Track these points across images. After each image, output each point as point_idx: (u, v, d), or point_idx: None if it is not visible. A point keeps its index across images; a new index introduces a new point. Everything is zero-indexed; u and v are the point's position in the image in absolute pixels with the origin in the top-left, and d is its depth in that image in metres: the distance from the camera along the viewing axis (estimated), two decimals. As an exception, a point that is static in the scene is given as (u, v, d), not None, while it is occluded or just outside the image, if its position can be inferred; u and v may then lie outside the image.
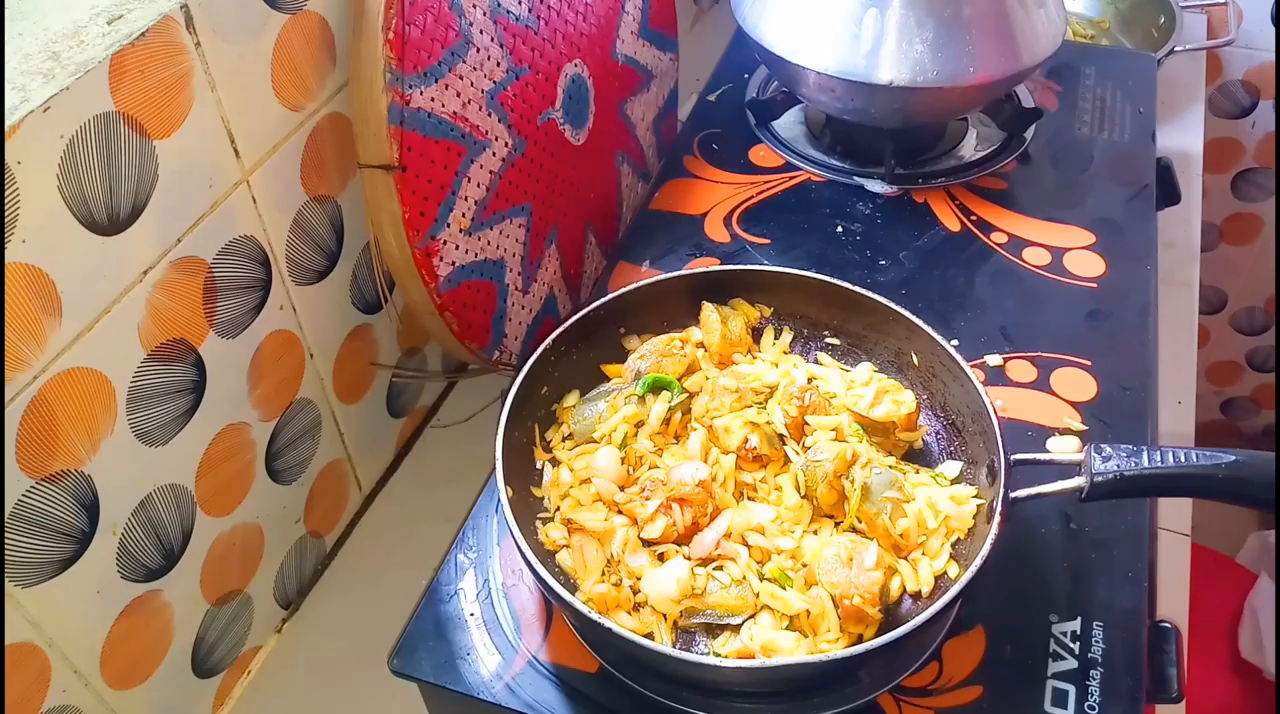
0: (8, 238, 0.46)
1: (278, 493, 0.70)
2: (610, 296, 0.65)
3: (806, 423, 0.60)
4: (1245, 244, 1.55)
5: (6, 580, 0.50)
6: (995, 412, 0.56)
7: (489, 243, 0.73)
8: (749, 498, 0.59)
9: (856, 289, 0.65)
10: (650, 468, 0.59)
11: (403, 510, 0.81)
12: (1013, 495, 0.53)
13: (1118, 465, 0.51)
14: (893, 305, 0.63)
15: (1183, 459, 0.50)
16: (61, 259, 0.49)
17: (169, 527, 0.60)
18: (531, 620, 0.58)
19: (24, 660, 0.52)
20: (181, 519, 0.61)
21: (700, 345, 0.66)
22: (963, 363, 0.59)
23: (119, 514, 0.56)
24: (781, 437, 0.60)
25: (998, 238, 0.81)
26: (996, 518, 0.52)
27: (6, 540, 0.49)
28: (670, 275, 0.67)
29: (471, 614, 0.58)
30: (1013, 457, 0.55)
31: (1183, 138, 1.10)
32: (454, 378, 0.89)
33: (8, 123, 0.44)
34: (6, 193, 0.45)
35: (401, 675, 0.56)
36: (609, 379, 0.66)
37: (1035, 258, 0.79)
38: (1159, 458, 0.51)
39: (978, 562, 0.50)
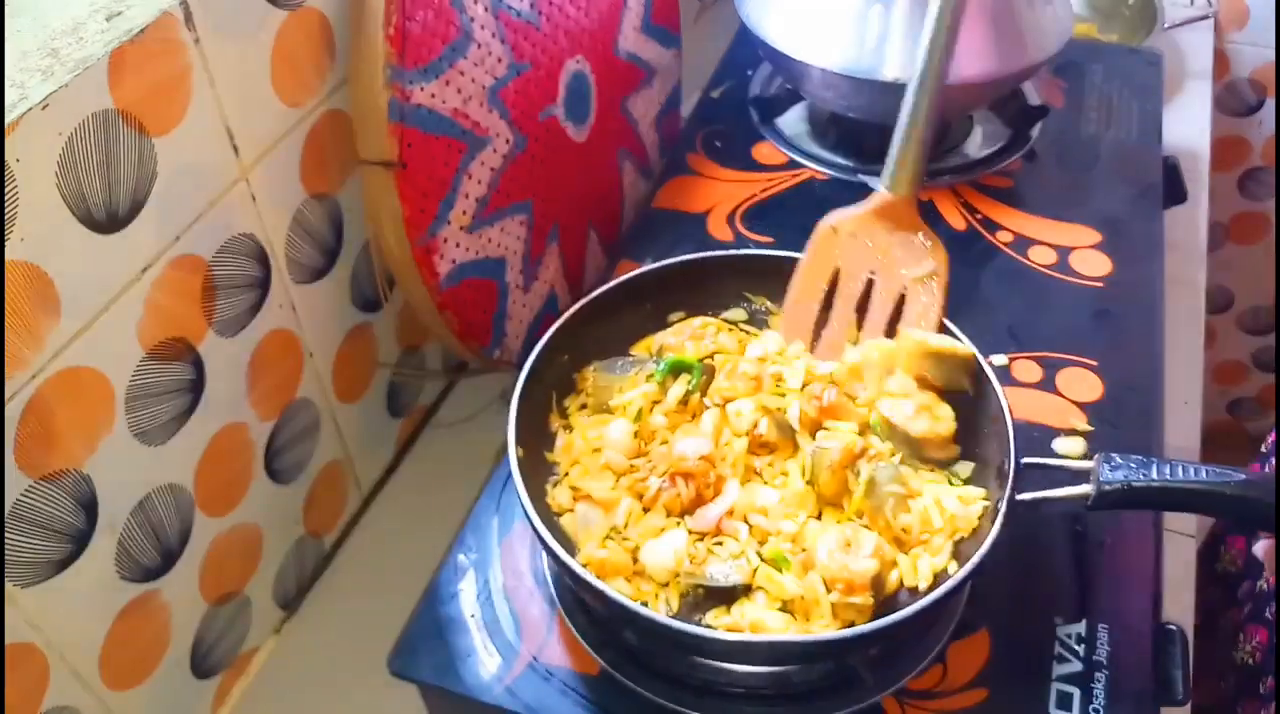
0: (6, 236, 0.45)
1: (277, 493, 0.70)
2: (656, 266, 0.66)
3: (824, 427, 0.60)
4: (1252, 243, 1.55)
5: (5, 580, 0.49)
6: (1011, 414, 0.56)
7: (490, 241, 0.72)
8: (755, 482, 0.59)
9: None
10: (661, 444, 0.59)
11: (402, 511, 0.81)
12: (1018, 498, 0.53)
13: (1125, 475, 0.51)
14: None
15: (1192, 474, 0.50)
16: (60, 257, 0.48)
17: (168, 526, 0.60)
18: (532, 623, 0.58)
19: (23, 661, 0.52)
20: (180, 519, 0.61)
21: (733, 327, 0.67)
22: (984, 363, 0.59)
23: (118, 514, 0.56)
24: (792, 428, 0.60)
25: (1003, 236, 0.81)
26: (999, 519, 0.52)
27: (5, 540, 0.49)
28: (711, 254, 0.67)
29: (472, 615, 0.58)
30: (1022, 460, 0.54)
31: (1189, 136, 1.09)
32: (454, 377, 0.89)
33: (7, 120, 0.44)
34: (5, 190, 0.45)
35: (401, 677, 0.56)
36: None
37: (1041, 257, 0.79)
38: (1168, 471, 0.51)
39: (975, 559, 0.50)
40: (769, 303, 0.68)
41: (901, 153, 0.67)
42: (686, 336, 0.64)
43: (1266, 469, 1.00)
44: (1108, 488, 0.51)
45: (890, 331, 0.64)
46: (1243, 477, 0.49)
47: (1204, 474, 0.50)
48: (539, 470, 0.59)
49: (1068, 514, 0.62)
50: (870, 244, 0.67)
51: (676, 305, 0.67)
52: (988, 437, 0.58)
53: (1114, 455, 0.52)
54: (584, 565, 0.52)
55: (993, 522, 0.52)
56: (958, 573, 0.50)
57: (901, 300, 0.65)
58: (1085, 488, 0.52)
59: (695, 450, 0.56)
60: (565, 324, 0.63)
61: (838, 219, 0.67)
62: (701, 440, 0.57)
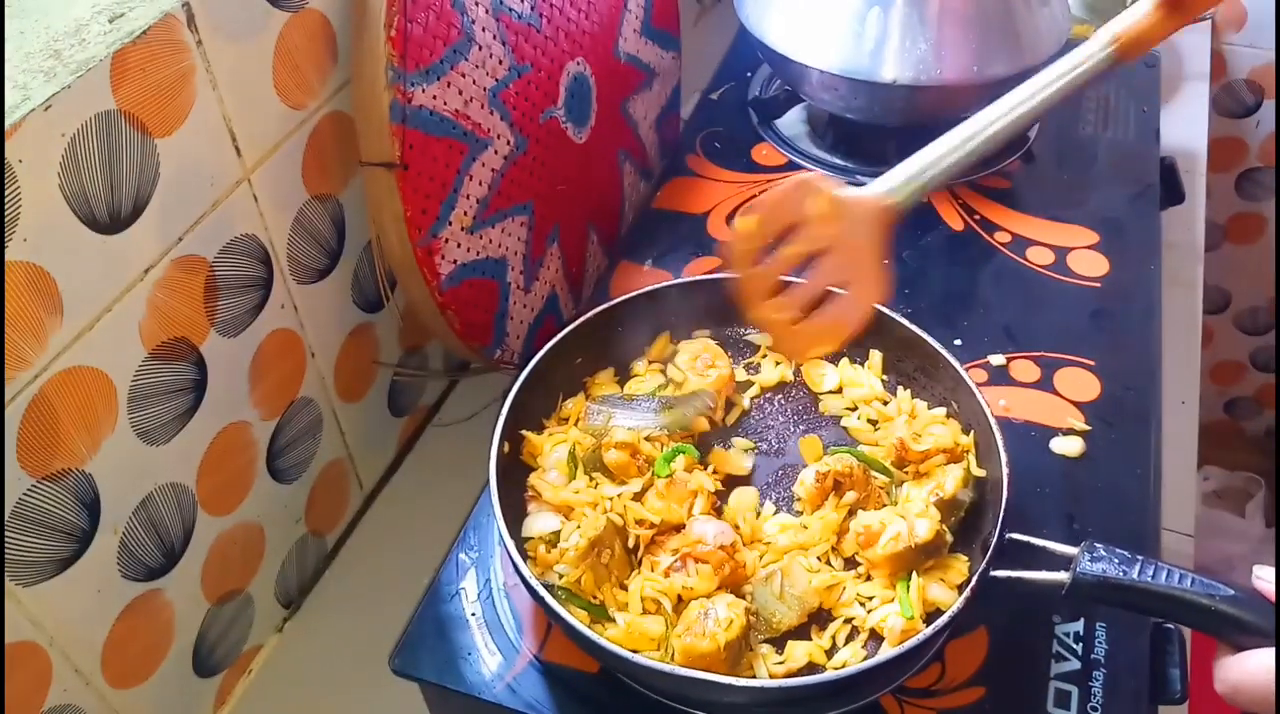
0: (9, 236, 0.45)
1: (279, 492, 0.70)
2: (681, 282, 0.67)
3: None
4: (1249, 243, 1.55)
5: (7, 579, 0.50)
6: (1009, 490, 0.55)
7: (491, 241, 0.73)
8: None
9: (914, 328, 0.63)
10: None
11: (404, 510, 0.81)
12: (992, 574, 0.52)
13: (1104, 569, 0.48)
14: (946, 353, 0.62)
15: (1176, 580, 0.47)
16: (63, 257, 0.48)
17: (170, 526, 0.60)
18: (533, 621, 0.58)
19: (25, 660, 0.52)
20: (182, 518, 0.61)
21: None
22: (998, 437, 0.57)
23: (120, 513, 0.56)
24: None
25: (1001, 237, 0.81)
26: (967, 592, 0.51)
27: (8, 539, 0.49)
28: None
29: (473, 614, 0.58)
30: (1008, 536, 0.53)
31: (1187, 137, 1.10)
32: (455, 377, 0.89)
33: (9, 121, 0.44)
34: (8, 191, 0.45)
35: (402, 675, 0.56)
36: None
37: (1039, 257, 0.79)
38: (1151, 573, 0.47)
39: (929, 631, 0.50)
40: None
41: (925, 170, 0.59)
42: (694, 367, 0.64)
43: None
44: (1083, 580, 0.48)
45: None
46: (1231, 592, 0.45)
47: (1189, 582, 0.46)
48: (523, 469, 0.60)
49: (1065, 513, 0.62)
50: (834, 230, 0.59)
51: (701, 322, 0.68)
52: (988, 504, 0.57)
53: (1099, 546, 0.49)
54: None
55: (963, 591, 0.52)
56: (885, 651, 0.50)
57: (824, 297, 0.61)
58: (1062, 575, 0.49)
59: (716, 537, 0.55)
60: (579, 328, 0.63)
61: (830, 191, 0.59)
62: (722, 527, 0.56)
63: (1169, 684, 0.55)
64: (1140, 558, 0.48)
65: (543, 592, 0.52)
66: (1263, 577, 0.45)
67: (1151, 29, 0.52)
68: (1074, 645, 0.56)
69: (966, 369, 0.61)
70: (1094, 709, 0.53)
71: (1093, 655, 0.55)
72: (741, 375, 0.68)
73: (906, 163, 0.59)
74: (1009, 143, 0.55)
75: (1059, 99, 0.54)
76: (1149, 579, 0.47)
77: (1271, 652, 0.42)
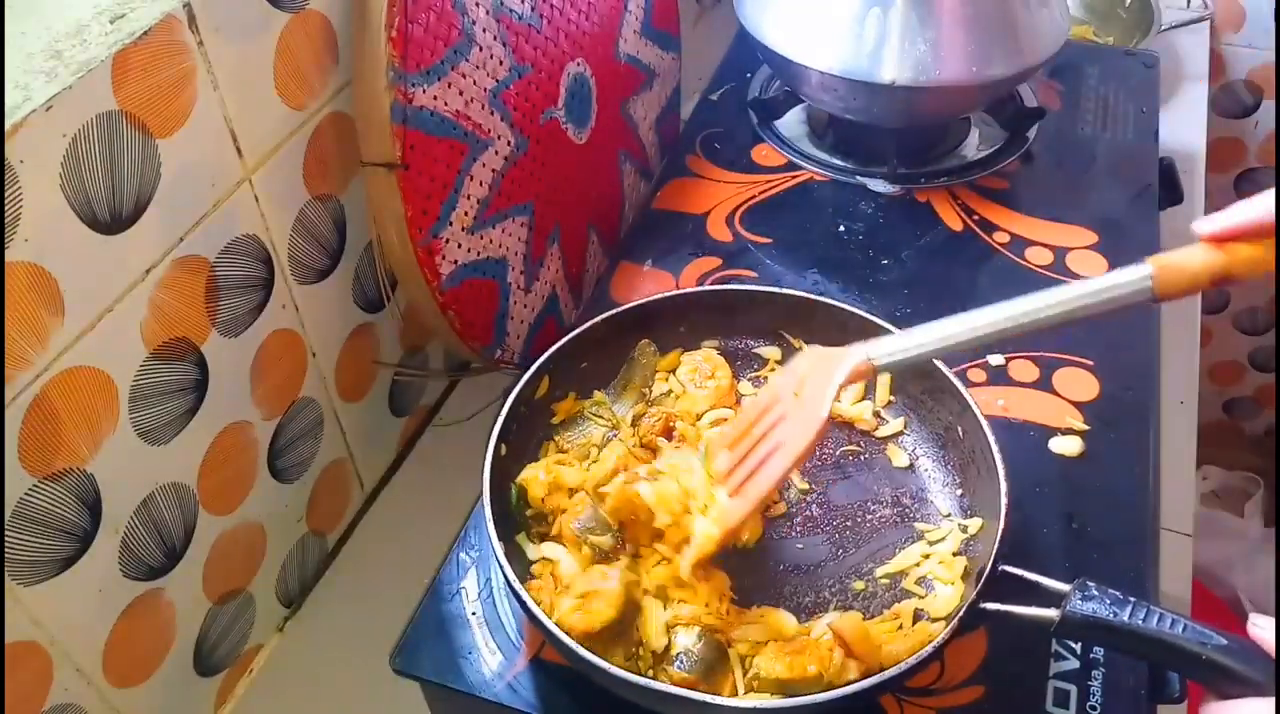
0: (10, 236, 0.46)
1: (280, 491, 0.70)
2: (687, 292, 0.67)
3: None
4: (1248, 244, 1.55)
5: (8, 579, 0.50)
6: (1006, 517, 0.54)
7: (491, 241, 0.73)
8: None
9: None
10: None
11: (405, 509, 0.81)
12: (982, 606, 0.51)
13: (1094, 609, 0.47)
14: (955, 381, 0.61)
15: (1168, 626, 0.45)
16: (64, 258, 0.49)
17: (171, 525, 0.60)
18: (533, 620, 0.58)
19: (26, 659, 0.52)
20: (184, 518, 0.61)
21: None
22: (1001, 471, 0.56)
23: (121, 513, 0.56)
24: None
25: (1000, 237, 0.81)
26: (954, 622, 0.50)
27: (9, 539, 0.49)
28: (748, 288, 0.68)
29: (473, 613, 0.58)
30: (1000, 567, 0.52)
31: (1186, 137, 1.10)
32: (456, 376, 0.89)
33: (11, 121, 0.44)
34: (9, 191, 0.45)
35: (403, 674, 0.56)
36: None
37: (1037, 257, 0.79)
38: (1142, 616, 0.46)
39: (912, 660, 0.49)
40: (805, 345, 0.68)
41: (920, 348, 0.52)
42: (694, 378, 0.65)
43: None
44: (1072, 618, 0.47)
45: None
46: (1224, 641, 0.44)
47: (1181, 628, 0.45)
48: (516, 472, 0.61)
49: (1064, 512, 0.63)
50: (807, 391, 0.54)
51: (711, 331, 0.68)
52: (984, 533, 0.57)
53: (1091, 585, 0.48)
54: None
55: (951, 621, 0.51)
56: (864, 680, 0.49)
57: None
58: (1051, 612, 0.48)
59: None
60: (584, 333, 0.63)
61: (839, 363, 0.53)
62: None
63: (1168, 684, 0.55)
64: (1133, 600, 0.47)
65: (529, 600, 0.51)
66: (1259, 624, 0.44)
67: (1195, 274, 0.49)
68: (1073, 645, 0.56)
69: (966, 370, 0.61)
70: (1093, 708, 0.53)
71: (1092, 654, 0.55)
72: (748, 388, 0.67)
73: (903, 333, 0.53)
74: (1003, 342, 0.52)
75: (1079, 315, 0.50)
76: (1139, 622, 0.46)
77: (1261, 703, 0.42)
